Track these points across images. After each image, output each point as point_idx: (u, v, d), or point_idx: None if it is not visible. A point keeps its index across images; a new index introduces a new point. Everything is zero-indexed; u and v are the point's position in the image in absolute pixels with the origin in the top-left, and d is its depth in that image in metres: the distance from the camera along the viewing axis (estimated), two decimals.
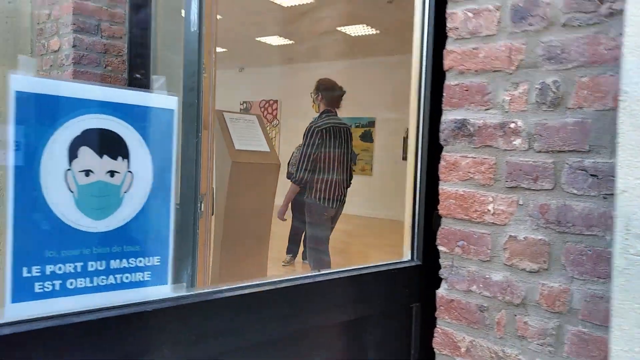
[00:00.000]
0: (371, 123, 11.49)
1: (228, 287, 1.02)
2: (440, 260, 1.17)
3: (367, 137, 11.61)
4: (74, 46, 2.33)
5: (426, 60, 1.33)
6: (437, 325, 1.17)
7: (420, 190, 1.35)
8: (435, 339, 1.18)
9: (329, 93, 3.79)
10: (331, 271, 1.22)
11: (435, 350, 1.18)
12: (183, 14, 2.20)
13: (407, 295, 1.36)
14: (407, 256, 1.41)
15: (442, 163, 1.14)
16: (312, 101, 3.94)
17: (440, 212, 1.15)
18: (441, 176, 1.15)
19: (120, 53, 2.49)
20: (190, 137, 2.16)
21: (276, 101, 12.33)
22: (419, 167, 1.37)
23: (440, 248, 1.16)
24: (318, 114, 3.78)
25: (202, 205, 2.20)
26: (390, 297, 1.32)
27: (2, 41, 2.48)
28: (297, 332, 1.10)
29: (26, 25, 2.55)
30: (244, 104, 12.60)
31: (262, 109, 12.30)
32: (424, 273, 1.39)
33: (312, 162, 3.59)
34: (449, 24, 1.12)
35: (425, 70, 1.34)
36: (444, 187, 1.14)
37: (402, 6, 7.06)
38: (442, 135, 1.14)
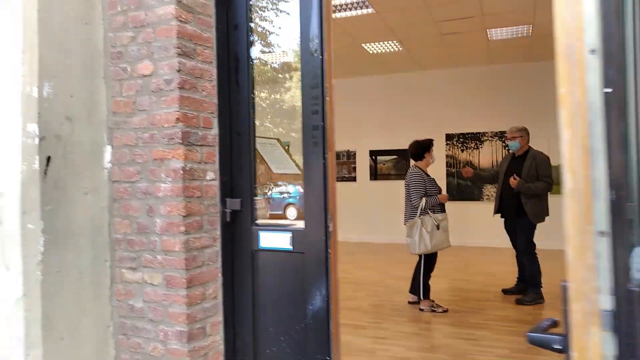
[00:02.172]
0: None
1: None
2: None
3: None
4: (178, 70, 2.21)
5: None
6: None
7: None
8: None
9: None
10: None
11: None
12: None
13: None
14: None
15: None
16: None
17: None
18: None
19: (211, 78, 2.41)
20: (317, 157, 2.19)
21: None
22: None
23: None
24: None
25: (331, 224, 2.22)
26: None
27: (80, 65, 2.25)
28: None
29: (100, 48, 2.35)
30: None
31: None
32: None
33: None
34: None
35: None
36: None
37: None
38: None
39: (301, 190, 3.42)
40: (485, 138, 9.93)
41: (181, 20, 2.23)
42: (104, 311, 2.36)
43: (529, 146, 5.65)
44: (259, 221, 2.43)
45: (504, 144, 9.79)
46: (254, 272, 2.38)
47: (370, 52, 8.62)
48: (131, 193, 2.35)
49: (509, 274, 7.03)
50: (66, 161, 2.18)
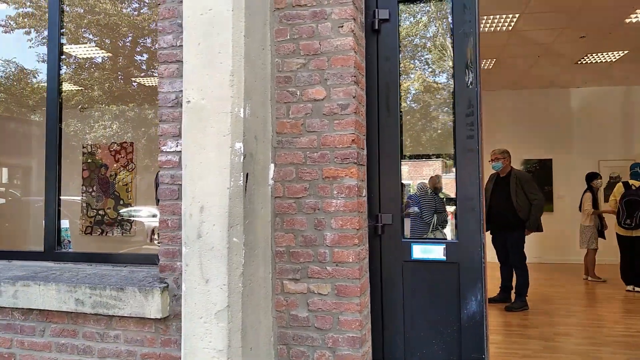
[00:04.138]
0: None
1: None
2: None
3: None
4: (354, 97, 2.42)
5: None
6: None
7: None
8: None
9: None
10: None
11: None
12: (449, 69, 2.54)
13: None
14: None
15: None
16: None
17: None
18: None
19: (364, 103, 2.63)
20: (473, 177, 2.50)
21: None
22: None
23: None
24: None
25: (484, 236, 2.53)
26: None
27: (260, 88, 2.38)
28: None
29: (269, 72, 2.48)
30: None
31: None
32: None
33: None
34: None
35: None
36: None
37: None
38: None
39: None
40: None
41: (355, 51, 2.44)
42: (269, 322, 2.45)
43: (511, 167, 6.31)
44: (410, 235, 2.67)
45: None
46: (404, 281, 2.60)
47: None
48: (296, 208, 2.48)
49: None
50: (254, 178, 2.29)
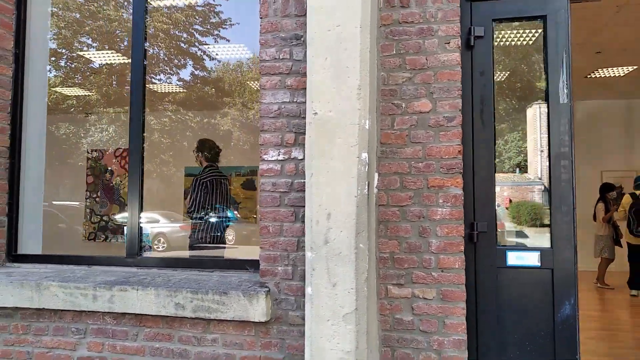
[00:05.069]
0: (253, 172, 11.70)
1: None
2: None
3: (250, 185, 11.74)
4: (460, 110, 2.54)
5: None
6: None
7: None
8: None
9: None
10: None
11: None
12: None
13: None
14: None
15: None
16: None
17: None
18: None
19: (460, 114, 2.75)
20: (567, 188, 2.64)
21: None
22: None
23: None
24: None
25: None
26: None
27: (374, 100, 2.48)
28: None
29: (375, 85, 2.58)
30: None
31: None
32: None
33: None
34: None
35: None
36: None
37: None
38: None
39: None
40: None
41: (461, 67, 2.57)
42: (376, 325, 2.54)
43: None
44: (504, 242, 2.78)
45: None
46: (497, 286, 2.71)
47: None
48: (400, 216, 2.59)
49: None
50: (369, 186, 2.39)
